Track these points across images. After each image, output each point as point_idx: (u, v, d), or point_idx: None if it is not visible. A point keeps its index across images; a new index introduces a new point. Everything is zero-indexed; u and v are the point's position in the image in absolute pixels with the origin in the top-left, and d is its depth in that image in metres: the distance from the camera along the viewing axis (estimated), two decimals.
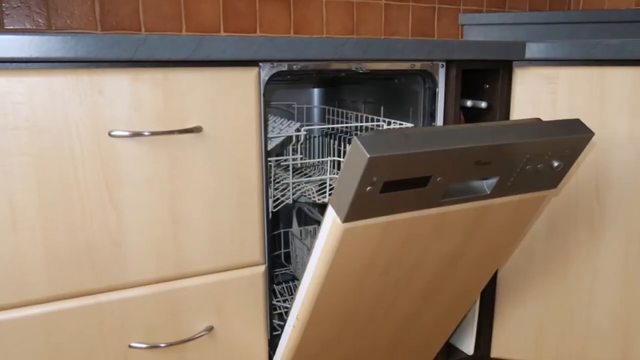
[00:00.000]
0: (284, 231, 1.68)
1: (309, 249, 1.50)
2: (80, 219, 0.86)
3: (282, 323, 1.31)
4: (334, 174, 1.39)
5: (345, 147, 1.46)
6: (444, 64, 1.12)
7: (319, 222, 1.61)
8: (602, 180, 1.17)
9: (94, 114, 0.84)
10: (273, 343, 1.10)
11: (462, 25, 1.87)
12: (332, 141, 1.55)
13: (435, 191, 0.82)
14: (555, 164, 0.90)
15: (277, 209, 1.31)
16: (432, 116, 1.15)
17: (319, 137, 1.64)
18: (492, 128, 0.82)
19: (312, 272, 0.88)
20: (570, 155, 0.91)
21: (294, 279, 1.61)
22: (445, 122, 1.15)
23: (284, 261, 1.68)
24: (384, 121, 1.27)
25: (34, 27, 1.30)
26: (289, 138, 1.39)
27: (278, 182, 1.31)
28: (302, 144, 1.61)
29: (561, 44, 1.12)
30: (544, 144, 0.86)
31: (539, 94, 1.17)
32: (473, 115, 1.25)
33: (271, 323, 1.10)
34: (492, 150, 0.81)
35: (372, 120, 1.34)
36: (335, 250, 0.83)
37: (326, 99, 1.65)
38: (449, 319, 1.15)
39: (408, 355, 1.19)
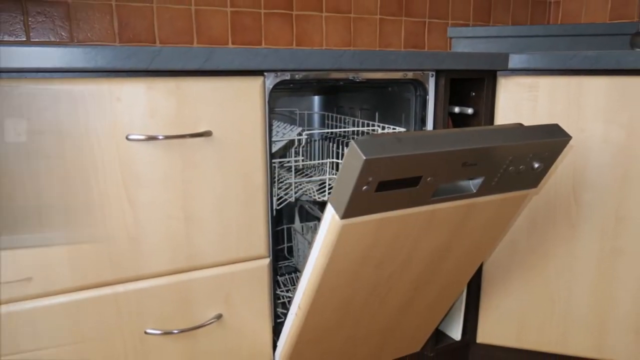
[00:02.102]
0: (286, 227, 1.68)
1: (310, 243, 1.50)
2: (100, 216, 0.87)
3: (285, 311, 1.31)
4: (333, 174, 1.39)
5: (343, 150, 1.46)
6: (434, 73, 1.12)
7: (319, 219, 1.61)
8: (579, 180, 1.17)
9: (113, 119, 0.84)
10: (277, 330, 1.10)
11: (451, 38, 1.87)
12: (331, 144, 1.55)
13: (426, 190, 0.82)
14: (536, 165, 0.90)
15: (280, 206, 1.31)
16: (423, 121, 1.15)
17: (319, 140, 1.64)
18: (478, 132, 0.82)
19: (312, 264, 0.88)
20: (549, 157, 0.91)
21: (296, 271, 1.61)
22: (434, 126, 1.15)
23: (287, 254, 1.68)
24: (379, 126, 1.27)
25: (58, 40, 1.31)
26: (292, 141, 1.39)
27: (281, 182, 1.31)
28: (303, 147, 1.61)
29: (541, 55, 1.13)
30: (525, 147, 0.86)
31: (521, 101, 1.17)
32: (460, 121, 1.26)
33: (275, 311, 1.10)
34: (478, 153, 0.81)
35: (368, 125, 1.34)
36: (334, 244, 0.83)
37: (325, 106, 1.65)
38: (438, 307, 1.15)
39: (401, 340, 1.20)
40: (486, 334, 1.30)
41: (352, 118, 1.45)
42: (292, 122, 1.63)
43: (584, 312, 1.22)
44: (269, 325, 1.07)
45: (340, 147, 1.47)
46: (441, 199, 0.86)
